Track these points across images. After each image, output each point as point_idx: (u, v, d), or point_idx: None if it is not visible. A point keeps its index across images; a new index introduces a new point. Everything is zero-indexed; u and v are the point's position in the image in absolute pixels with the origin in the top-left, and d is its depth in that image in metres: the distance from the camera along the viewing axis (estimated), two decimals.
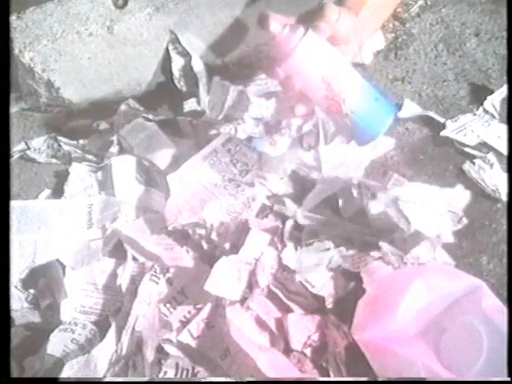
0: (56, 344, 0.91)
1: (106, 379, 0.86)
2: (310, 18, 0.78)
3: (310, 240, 0.95)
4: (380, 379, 0.80)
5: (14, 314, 0.95)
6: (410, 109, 1.10)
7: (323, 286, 0.91)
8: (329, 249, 0.93)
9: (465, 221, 0.93)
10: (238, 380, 0.84)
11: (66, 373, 0.86)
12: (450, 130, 1.05)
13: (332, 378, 0.84)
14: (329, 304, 0.90)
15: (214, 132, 1.09)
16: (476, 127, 1.04)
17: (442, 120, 1.06)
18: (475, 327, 0.78)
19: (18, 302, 0.96)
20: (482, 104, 1.07)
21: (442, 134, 1.05)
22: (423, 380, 0.76)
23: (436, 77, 1.14)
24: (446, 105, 1.10)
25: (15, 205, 1.03)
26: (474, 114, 1.07)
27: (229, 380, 0.84)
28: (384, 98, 0.81)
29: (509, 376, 0.73)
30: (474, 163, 1.00)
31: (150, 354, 0.86)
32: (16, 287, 0.97)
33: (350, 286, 0.91)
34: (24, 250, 0.98)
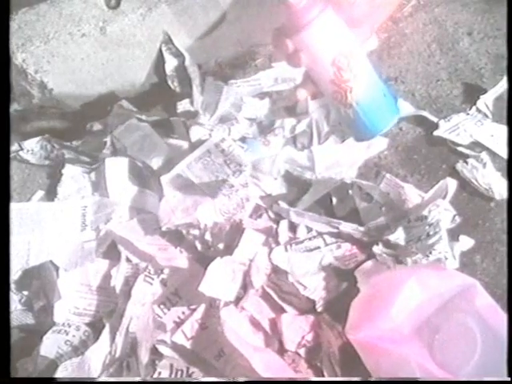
0: (50, 345, 0.91)
1: (101, 379, 0.86)
2: None
3: (300, 239, 0.95)
4: (374, 379, 0.81)
5: None
6: (404, 109, 1.10)
7: (315, 288, 0.91)
8: (319, 247, 0.94)
9: (458, 220, 0.93)
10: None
11: (60, 374, 0.86)
12: (443, 130, 1.05)
13: (326, 378, 0.84)
14: (319, 307, 0.90)
15: (207, 132, 1.08)
16: (469, 126, 1.04)
17: (435, 120, 1.07)
18: (469, 326, 0.78)
19: (12, 303, 0.96)
20: (474, 103, 1.07)
21: (435, 133, 1.05)
22: (422, 380, 0.76)
23: (429, 76, 1.14)
24: (439, 104, 1.10)
25: (9, 207, 1.03)
26: (467, 114, 1.07)
27: (224, 380, 0.84)
28: (392, 95, 0.77)
29: (509, 376, 0.73)
30: (467, 162, 1.00)
31: (144, 355, 0.86)
32: (10, 289, 0.97)
33: (344, 286, 0.92)
34: (18, 252, 0.98)
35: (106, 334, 0.90)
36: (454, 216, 0.94)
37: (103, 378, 0.87)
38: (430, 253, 0.88)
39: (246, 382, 0.83)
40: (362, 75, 0.73)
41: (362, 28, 0.76)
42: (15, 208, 1.03)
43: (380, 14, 0.79)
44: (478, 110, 1.06)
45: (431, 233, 0.90)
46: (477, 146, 1.02)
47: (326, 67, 0.72)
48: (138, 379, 0.85)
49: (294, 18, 0.70)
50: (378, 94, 0.75)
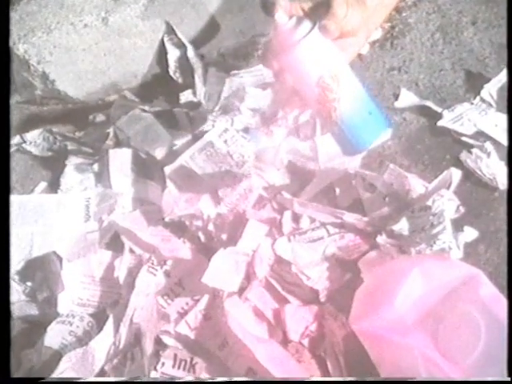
0: (53, 336, 0.91)
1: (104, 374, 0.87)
2: (318, 10, 0.72)
3: (303, 229, 0.95)
4: (374, 379, 0.81)
5: (11, 307, 0.95)
6: (407, 99, 1.10)
7: (319, 278, 0.91)
8: (322, 238, 0.94)
9: (462, 210, 0.93)
10: (239, 371, 0.85)
11: (64, 365, 0.86)
12: (447, 120, 1.04)
13: (327, 378, 0.84)
14: (323, 297, 0.90)
15: (210, 123, 1.08)
16: (473, 116, 1.04)
17: (438, 110, 1.06)
18: (473, 316, 0.78)
19: (16, 294, 0.96)
20: (478, 93, 1.07)
21: (439, 124, 1.04)
22: (423, 380, 0.76)
23: (433, 66, 1.13)
24: (442, 94, 1.10)
25: (12, 198, 1.03)
26: (471, 103, 1.06)
27: (223, 380, 0.84)
28: (379, 112, 0.76)
29: (509, 376, 0.73)
30: (471, 152, 1.00)
31: (148, 346, 0.86)
32: (14, 280, 0.97)
33: (347, 276, 0.92)
34: (21, 243, 0.98)
35: (109, 324, 0.90)
36: (458, 206, 0.93)
37: (107, 369, 0.87)
38: (434, 243, 0.87)
39: (247, 381, 0.84)
40: (347, 94, 0.73)
41: (356, 37, 0.76)
42: (18, 200, 1.03)
43: (374, 20, 0.79)
44: (482, 100, 1.06)
45: (435, 223, 0.89)
46: (481, 135, 1.02)
47: (310, 87, 0.73)
48: (134, 379, 0.85)
49: (281, 37, 0.71)
50: (364, 112, 0.75)
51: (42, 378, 0.84)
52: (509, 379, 0.72)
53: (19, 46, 1.06)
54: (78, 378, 0.85)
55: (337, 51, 0.73)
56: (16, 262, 0.97)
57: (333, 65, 0.72)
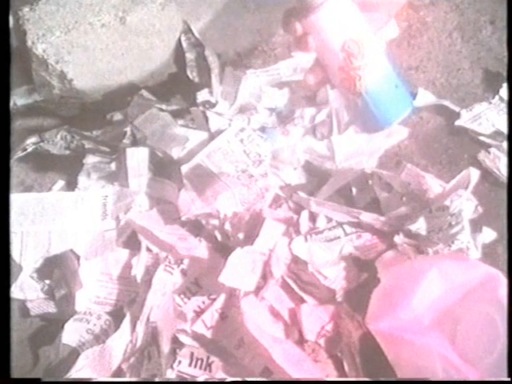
0: (71, 334, 0.91)
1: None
2: None
3: (320, 229, 0.95)
4: (373, 379, 0.81)
5: (29, 305, 0.96)
6: (424, 98, 1.09)
7: (335, 278, 0.90)
8: (339, 237, 0.93)
9: (480, 210, 0.93)
10: (255, 370, 0.85)
11: (82, 362, 0.87)
12: (465, 120, 1.04)
13: (346, 369, 0.84)
14: (339, 297, 0.90)
15: (226, 122, 1.08)
16: (491, 116, 1.03)
17: (456, 109, 1.06)
18: (491, 316, 0.77)
19: (34, 292, 0.97)
20: (497, 92, 1.06)
21: (457, 123, 1.04)
22: (423, 380, 0.76)
23: (450, 65, 1.13)
24: (460, 93, 1.09)
25: (30, 197, 1.04)
26: (490, 103, 1.06)
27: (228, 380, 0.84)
28: (405, 87, 0.72)
29: (509, 376, 0.72)
30: (489, 152, 0.99)
31: (165, 345, 0.87)
32: (32, 277, 0.98)
33: (364, 276, 0.91)
34: (39, 241, 0.99)
35: (126, 322, 0.91)
36: (476, 206, 0.93)
37: (124, 368, 0.87)
38: (452, 243, 0.87)
39: (246, 381, 0.84)
40: (373, 63, 0.69)
41: (378, 12, 0.72)
42: (36, 198, 1.03)
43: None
44: (501, 99, 1.05)
45: (453, 223, 0.89)
46: (499, 135, 1.01)
47: (335, 52, 0.68)
48: (135, 379, 0.86)
49: None
50: (390, 85, 0.71)
51: (40, 379, 0.85)
52: (509, 379, 0.72)
53: (38, 46, 1.07)
54: (89, 378, 0.86)
55: (362, 16, 0.68)
56: (34, 260, 0.98)
57: (358, 31, 0.68)
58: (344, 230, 0.95)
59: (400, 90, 0.71)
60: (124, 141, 1.10)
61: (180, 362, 0.86)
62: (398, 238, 0.91)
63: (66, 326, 0.92)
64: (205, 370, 0.86)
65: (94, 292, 0.95)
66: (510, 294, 0.77)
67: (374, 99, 0.70)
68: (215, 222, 0.97)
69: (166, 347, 0.86)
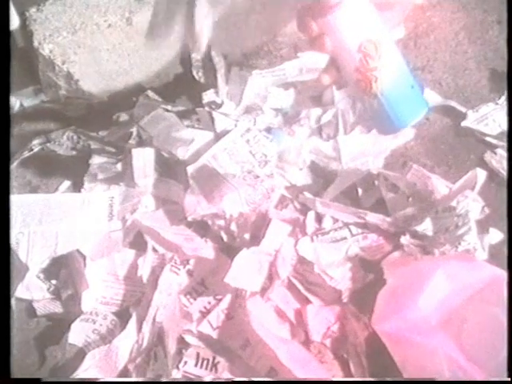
0: (77, 334, 0.92)
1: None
2: None
3: (326, 230, 0.95)
4: (373, 379, 0.80)
5: (35, 305, 0.96)
6: (431, 98, 1.09)
7: (341, 279, 0.90)
8: (345, 238, 0.93)
9: (487, 211, 0.92)
10: (260, 371, 0.85)
11: (88, 362, 0.87)
12: (472, 120, 1.04)
13: (352, 370, 0.84)
14: (345, 298, 0.90)
15: (232, 123, 1.08)
16: (498, 116, 1.03)
17: (463, 110, 1.05)
18: (497, 317, 0.77)
19: (40, 292, 0.97)
20: (504, 93, 1.06)
21: (463, 124, 1.04)
22: (423, 380, 0.76)
23: (457, 65, 1.12)
24: (467, 94, 1.09)
25: (37, 197, 1.04)
26: (496, 103, 1.05)
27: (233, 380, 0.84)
28: (420, 88, 0.71)
29: (509, 376, 0.72)
30: (495, 153, 0.99)
31: (171, 345, 0.87)
32: (38, 277, 0.98)
33: (370, 277, 0.91)
34: (46, 241, 0.99)
35: (132, 323, 0.91)
36: (483, 207, 0.93)
37: (130, 368, 0.88)
38: (459, 244, 0.87)
39: (246, 381, 0.84)
40: (389, 64, 0.68)
41: (392, 11, 0.70)
42: (44, 198, 1.04)
43: None
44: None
45: (460, 224, 0.89)
46: (505, 135, 1.01)
47: (351, 53, 0.67)
48: (139, 379, 0.86)
49: None
50: (406, 86, 0.69)
51: (40, 379, 0.85)
52: (509, 379, 0.72)
53: (44, 46, 1.07)
54: (95, 378, 0.86)
55: (380, 17, 0.67)
56: (41, 261, 0.98)
57: (375, 31, 0.67)
58: (350, 230, 0.95)
59: (416, 91, 0.70)
60: (130, 141, 1.10)
61: (186, 363, 0.86)
62: (405, 239, 0.91)
63: (73, 326, 0.92)
64: (211, 370, 0.86)
65: (100, 292, 0.96)
66: (510, 294, 0.77)
67: (389, 100, 0.69)
68: (221, 222, 0.98)
69: (171, 347, 0.87)
